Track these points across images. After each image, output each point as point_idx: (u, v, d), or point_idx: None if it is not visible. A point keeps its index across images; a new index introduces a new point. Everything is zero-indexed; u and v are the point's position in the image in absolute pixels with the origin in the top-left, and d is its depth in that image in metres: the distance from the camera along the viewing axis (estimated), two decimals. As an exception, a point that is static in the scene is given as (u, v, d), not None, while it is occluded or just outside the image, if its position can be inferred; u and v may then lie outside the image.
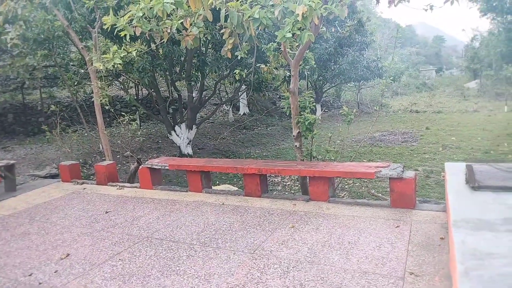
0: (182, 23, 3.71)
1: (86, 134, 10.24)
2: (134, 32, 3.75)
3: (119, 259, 3.42)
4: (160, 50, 8.74)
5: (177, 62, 10.05)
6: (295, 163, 4.85)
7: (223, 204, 4.74)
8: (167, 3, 3.01)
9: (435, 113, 21.49)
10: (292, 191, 7.53)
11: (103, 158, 9.27)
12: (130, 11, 3.55)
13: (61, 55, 9.83)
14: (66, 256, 3.58)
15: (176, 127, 9.92)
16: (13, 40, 5.55)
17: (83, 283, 3.04)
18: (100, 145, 9.30)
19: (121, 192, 5.74)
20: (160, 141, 11.17)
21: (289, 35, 3.07)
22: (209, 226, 4.03)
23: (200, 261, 3.25)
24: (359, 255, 3.10)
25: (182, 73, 10.00)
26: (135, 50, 3.93)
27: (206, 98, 10.85)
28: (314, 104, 5.54)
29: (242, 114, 17.28)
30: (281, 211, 4.32)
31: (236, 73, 5.36)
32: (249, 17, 3.03)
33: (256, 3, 3.47)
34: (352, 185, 7.41)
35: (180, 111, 9.97)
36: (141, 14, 3.25)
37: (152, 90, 10.05)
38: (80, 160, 8.44)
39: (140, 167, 5.81)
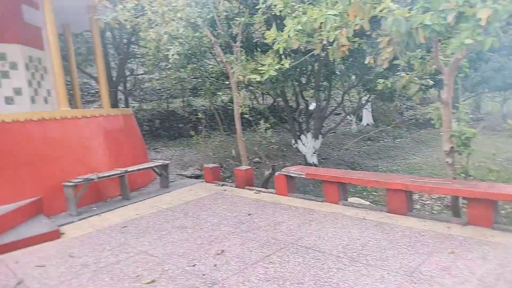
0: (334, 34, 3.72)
1: (219, 139, 11.12)
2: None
3: (270, 262, 3.56)
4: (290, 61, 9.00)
5: (304, 72, 10.22)
6: (450, 181, 4.40)
7: (364, 218, 4.58)
8: (330, 15, 3.06)
9: None
10: (434, 211, 6.88)
11: (235, 163, 9.95)
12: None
13: (203, 68, 10.87)
14: (221, 252, 3.88)
15: (302, 136, 10.05)
16: (173, 56, 6.37)
17: (241, 281, 3.24)
18: (233, 150, 9.97)
19: (258, 196, 6.03)
20: (285, 149, 11.48)
21: (469, 41, 2.79)
22: (354, 241, 3.92)
23: (351, 276, 3.16)
24: (550, 297, 2.61)
25: (308, 83, 10.14)
26: (287, 62, 4.11)
27: (333, 108, 10.76)
28: (470, 116, 4.97)
29: (365, 124, 16.64)
30: (433, 233, 3.95)
31: (380, 82, 5.16)
32: (419, 24, 2.87)
33: (419, 9, 3.27)
34: (510, 210, 6.40)
35: (306, 120, 10.10)
36: (300, 27, 3.37)
37: (281, 99, 10.39)
38: (217, 163, 9.18)
39: (277, 174, 6.01)
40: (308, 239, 4.06)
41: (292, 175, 5.72)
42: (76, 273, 3.66)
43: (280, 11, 4.00)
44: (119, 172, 6.19)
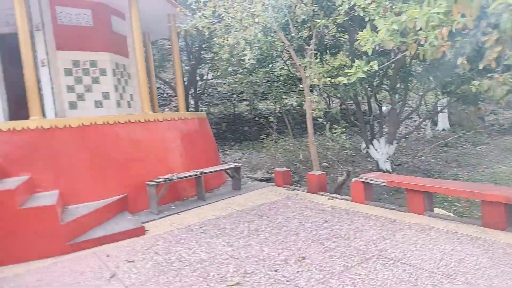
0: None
1: (287, 143, 11.05)
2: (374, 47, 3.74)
3: (356, 273, 3.41)
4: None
5: (378, 74, 9.80)
6: (561, 196, 3.89)
7: (455, 232, 4.21)
8: (434, 13, 2.84)
9: None
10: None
11: (303, 167, 9.84)
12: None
13: (271, 72, 10.93)
14: (302, 259, 3.80)
15: (374, 141, 9.63)
16: (250, 61, 6.45)
17: (328, 291, 3.14)
18: (300, 154, 9.86)
19: (333, 203, 5.86)
20: (354, 154, 11.11)
21: None
22: (447, 256, 3.61)
23: (451, 295, 2.91)
24: None
25: (380, 85, 9.70)
26: (375, 63, 3.92)
27: (408, 111, 10.18)
28: None
29: (441, 129, 15.53)
30: (543, 253, 3.51)
31: (475, 85, 4.72)
32: (541, 19, 2.57)
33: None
34: None
35: (380, 124, 9.67)
36: (395, 27, 3.19)
37: (351, 102, 10.07)
38: (285, 167, 9.14)
39: (353, 180, 5.80)
40: (394, 251, 3.83)
41: (371, 182, 5.47)
42: (163, 270, 3.81)
43: (369, 12, 3.82)
44: (195, 173, 6.40)
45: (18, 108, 7.16)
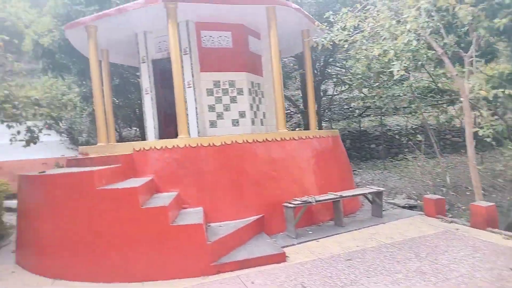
0: None
1: (428, 164, 9.72)
2: None
3: None
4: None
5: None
6: None
7: None
8: None
9: None
10: None
11: (452, 193, 8.48)
12: None
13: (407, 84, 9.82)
14: (497, 323, 2.95)
15: (550, 165, 7.74)
16: (399, 72, 5.74)
17: None
18: (447, 177, 8.52)
19: (511, 244, 4.69)
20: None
21: None
22: None
23: None
24: None
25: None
26: None
27: None
28: None
29: None
30: None
31: None
32: None
33: None
34: None
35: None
36: None
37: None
38: (428, 192, 7.97)
39: (542, 217, 4.55)
40: None
41: None
42: (315, 310, 3.39)
43: None
44: (334, 196, 5.91)
45: (165, 126, 7.78)
